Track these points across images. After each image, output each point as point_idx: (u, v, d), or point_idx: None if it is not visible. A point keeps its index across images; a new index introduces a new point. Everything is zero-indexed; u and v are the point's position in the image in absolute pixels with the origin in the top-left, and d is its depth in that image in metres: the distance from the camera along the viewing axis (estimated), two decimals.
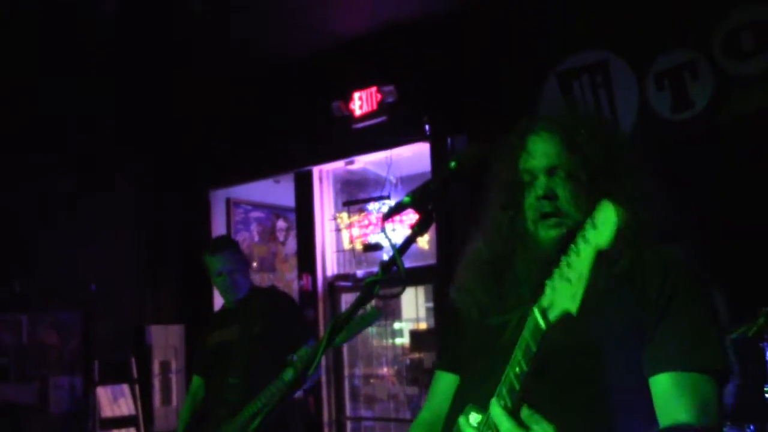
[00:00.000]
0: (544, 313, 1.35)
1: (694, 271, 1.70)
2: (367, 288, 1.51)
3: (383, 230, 1.55)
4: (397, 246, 1.53)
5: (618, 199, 1.58)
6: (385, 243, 6.46)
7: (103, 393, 6.74)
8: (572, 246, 1.31)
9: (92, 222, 6.93)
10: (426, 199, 1.59)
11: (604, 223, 1.26)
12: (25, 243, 6.60)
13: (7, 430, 6.37)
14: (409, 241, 1.55)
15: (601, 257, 1.27)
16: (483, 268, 1.81)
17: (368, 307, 3.79)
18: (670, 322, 1.60)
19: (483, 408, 1.50)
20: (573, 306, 1.30)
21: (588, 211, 1.56)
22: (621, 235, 1.42)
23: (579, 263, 1.29)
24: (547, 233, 1.69)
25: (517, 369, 1.39)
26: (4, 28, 5.76)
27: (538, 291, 1.61)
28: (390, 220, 1.57)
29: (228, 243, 4.43)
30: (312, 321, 6.68)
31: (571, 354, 1.55)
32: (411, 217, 1.63)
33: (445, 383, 1.88)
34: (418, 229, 1.57)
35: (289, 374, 3.69)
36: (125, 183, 7.34)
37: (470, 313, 1.82)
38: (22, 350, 6.70)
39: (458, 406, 1.73)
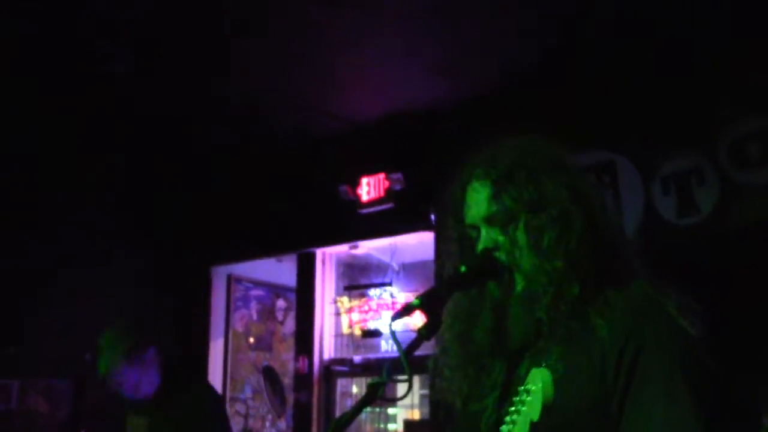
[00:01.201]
0: None
1: (668, 317, 1.54)
2: (371, 390, 1.50)
3: (391, 332, 1.54)
4: (404, 349, 1.52)
5: (564, 231, 1.58)
6: (384, 330, 6.43)
7: None
8: (515, 403, 1.32)
9: (90, 292, 6.91)
10: (434, 302, 1.58)
11: (536, 394, 1.27)
12: (22, 309, 6.57)
13: None
14: (415, 344, 1.55)
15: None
16: (456, 355, 1.76)
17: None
18: (639, 395, 1.47)
19: None
20: None
21: (538, 246, 1.56)
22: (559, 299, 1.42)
23: (521, 429, 1.30)
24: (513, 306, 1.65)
25: None
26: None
27: (509, 374, 1.65)
28: (398, 320, 1.56)
29: (114, 357, 3.72)
30: (305, 404, 6.60)
31: None
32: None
33: None
34: (425, 332, 1.56)
35: None
36: (127, 255, 7.34)
37: (454, 401, 1.78)
38: (10, 416, 6.61)
39: None
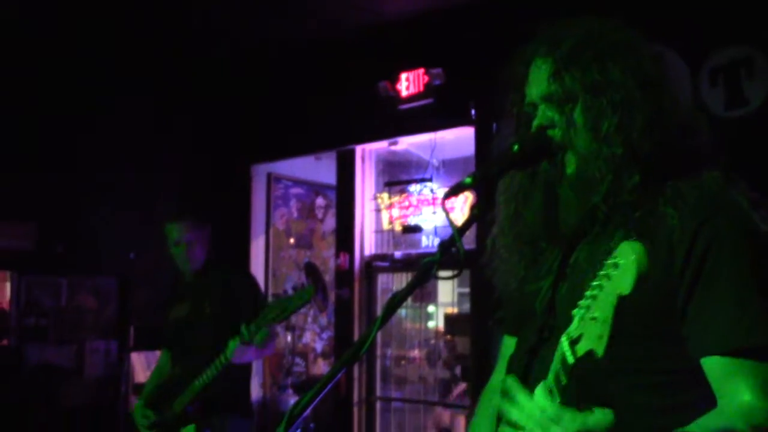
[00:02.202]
0: (572, 345, 1.31)
1: (743, 213, 1.50)
2: (424, 268, 1.49)
3: (443, 210, 1.51)
4: (458, 227, 1.49)
5: (628, 113, 1.53)
6: (425, 225, 6.44)
7: (137, 359, 6.81)
8: (596, 280, 1.27)
9: (135, 191, 7.00)
10: (486, 181, 1.55)
11: (626, 267, 1.22)
12: (70, 208, 6.69)
13: (44, 390, 6.48)
14: (469, 222, 1.53)
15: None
16: (512, 236, 1.73)
17: (304, 285, 3.84)
18: (709, 286, 1.44)
19: (524, 381, 1.49)
20: (599, 348, 1.26)
21: (597, 130, 1.52)
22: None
23: (603, 305, 1.25)
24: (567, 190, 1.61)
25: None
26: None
27: (565, 258, 1.62)
28: (450, 199, 1.53)
29: (188, 213, 4.39)
30: (347, 299, 6.69)
31: None
32: (452, 200, 1.58)
33: (511, 347, 1.82)
34: (478, 211, 1.53)
35: (231, 348, 3.79)
36: (169, 155, 7.39)
37: (508, 282, 1.76)
38: (60, 313, 6.81)
39: (509, 374, 1.70)
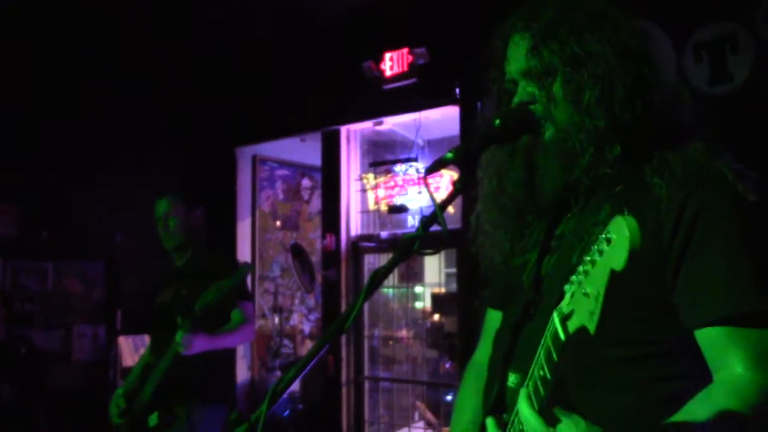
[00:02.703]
0: (563, 322, 1.31)
1: (730, 183, 1.48)
2: (406, 244, 1.49)
3: (425, 186, 1.51)
4: (439, 203, 1.49)
5: (609, 81, 1.52)
6: (410, 205, 6.45)
7: (124, 342, 6.80)
8: (587, 255, 1.26)
9: (120, 175, 6.97)
10: (468, 156, 1.55)
11: (619, 243, 1.20)
12: (54, 193, 6.65)
13: (31, 374, 6.47)
14: (451, 197, 1.52)
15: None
16: (496, 210, 1.73)
17: (241, 262, 3.86)
18: (698, 255, 1.43)
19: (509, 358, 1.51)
20: (591, 324, 1.25)
21: (578, 102, 1.52)
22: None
23: (595, 280, 1.24)
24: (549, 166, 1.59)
25: (541, 372, 1.35)
26: None
27: (549, 231, 1.63)
28: (432, 176, 1.53)
29: (178, 193, 4.38)
30: (334, 280, 6.70)
31: None
32: (437, 180, 1.58)
33: (495, 320, 1.82)
34: (460, 186, 1.52)
35: (177, 340, 3.79)
36: (153, 137, 7.35)
37: (493, 257, 1.77)
38: (47, 297, 6.79)
39: (495, 349, 1.73)
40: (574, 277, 1.29)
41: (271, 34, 6.91)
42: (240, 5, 6.43)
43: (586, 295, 1.26)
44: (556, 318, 1.32)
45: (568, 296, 1.31)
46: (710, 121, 1.66)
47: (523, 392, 1.39)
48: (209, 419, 3.98)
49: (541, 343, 1.36)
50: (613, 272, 1.21)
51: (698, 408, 1.38)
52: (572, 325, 1.29)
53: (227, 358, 4.34)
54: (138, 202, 7.16)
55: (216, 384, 4.18)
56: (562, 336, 1.30)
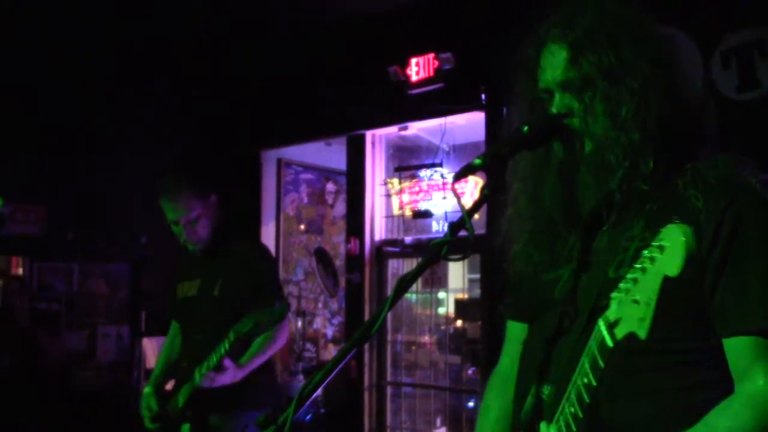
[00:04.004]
0: (610, 329, 1.32)
1: (762, 195, 1.52)
2: (433, 249, 1.48)
3: (453, 192, 1.50)
4: (467, 209, 1.49)
5: (647, 94, 1.52)
6: (435, 210, 6.44)
7: (148, 344, 6.85)
8: (637, 263, 1.28)
9: (146, 177, 7.00)
10: (497, 162, 1.55)
11: (673, 249, 1.22)
12: (80, 194, 6.71)
13: (56, 374, 6.52)
14: (479, 204, 1.52)
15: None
16: (529, 220, 1.72)
17: (278, 303, 3.56)
18: (737, 267, 1.46)
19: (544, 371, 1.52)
20: (642, 331, 1.27)
21: (615, 117, 1.52)
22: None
23: (646, 287, 1.26)
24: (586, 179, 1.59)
25: (585, 379, 1.37)
26: None
27: (584, 247, 1.63)
28: (459, 180, 1.52)
29: (181, 185, 3.77)
30: (357, 284, 6.70)
31: None
32: (462, 185, 1.58)
33: (519, 331, 1.83)
34: (488, 192, 1.53)
35: (196, 379, 3.49)
36: (180, 140, 7.39)
37: (524, 268, 1.75)
38: (72, 298, 6.84)
39: (525, 360, 1.73)
40: (622, 285, 1.30)
41: (297, 38, 6.94)
42: (267, 10, 6.46)
43: (635, 302, 1.27)
44: (602, 325, 1.34)
45: (614, 304, 1.32)
46: (735, 130, 1.66)
47: (565, 405, 1.42)
48: (247, 428, 3.69)
49: (585, 351, 1.38)
50: (666, 279, 1.23)
51: (718, 420, 1.41)
52: (620, 332, 1.31)
53: (267, 363, 3.89)
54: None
55: (255, 392, 3.77)
56: (609, 342, 1.32)
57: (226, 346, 3.45)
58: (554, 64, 1.60)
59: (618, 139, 1.53)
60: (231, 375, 3.56)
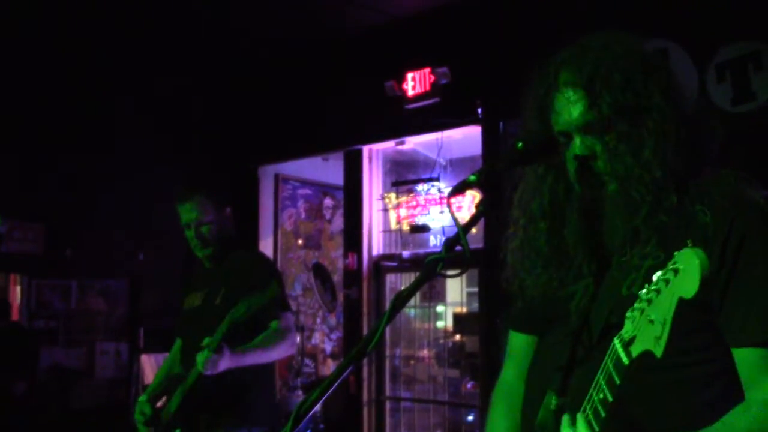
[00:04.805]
0: (626, 347, 1.36)
1: (766, 210, 1.56)
2: (429, 266, 1.50)
3: (448, 207, 1.52)
4: (462, 224, 1.50)
5: (662, 129, 1.56)
6: (432, 225, 6.45)
7: (147, 360, 6.83)
8: (653, 283, 1.31)
9: (143, 193, 7.02)
10: (492, 178, 1.56)
11: (688, 272, 1.25)
12: (78, 211, 6.71)
13: (55, 391, 6.50)
14: (474, 219, 1.53)
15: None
16: (551, 249, 1.73)
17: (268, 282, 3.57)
18: (744, 279, 1.50)
19: (559, 387, 1.55)
20: (658, 349, 1.30)
21: (638, 156, 1.55)
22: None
23: (661, 308, 1.29)
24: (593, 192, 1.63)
25: (601, 395, 1.41)
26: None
27: (600, 269, 1.65)
28: (455, 196, 1.54)
29: (200, 189, 3.86)
30: (355, 299, 6.70)
31: None
32: (459, 200, 1.60)
33: (524, 343, 1.85)
34: (483, 208, 1.54)
35: (200, 361, 3.42)
36: (178, 156, 7.40)
37: (535, 293, 1.77)
38: (70, 315, 6.83)
39: (536, 373, 1.75)
40: (636, 305, 1.35)
41: (294, 54, 6.97)
42: (264, 26, 6.49)
43: (650, 321, 1.31)
44: (617, 344, 1.38)
45: (629, 323, 1.36)
46: (731, 143, 1.68)
47: (580, 417, 1.45)
48: None
49: (601, 368, 1.42)
50: (681, 300, 1.26)
51: (737, 420, 1.46)
52: (635, 350, 1.35)
53: (266, 374, 3.83)
54: (161, 220, 7.24)
55: (250, 405, 3.72)
56: (625, 360, 1.36)
57: (223, 329, 3.45)
58: (570, 108, 1.61)
59: (642, 177, 1.56)
60: (225, 361, 3.48)
